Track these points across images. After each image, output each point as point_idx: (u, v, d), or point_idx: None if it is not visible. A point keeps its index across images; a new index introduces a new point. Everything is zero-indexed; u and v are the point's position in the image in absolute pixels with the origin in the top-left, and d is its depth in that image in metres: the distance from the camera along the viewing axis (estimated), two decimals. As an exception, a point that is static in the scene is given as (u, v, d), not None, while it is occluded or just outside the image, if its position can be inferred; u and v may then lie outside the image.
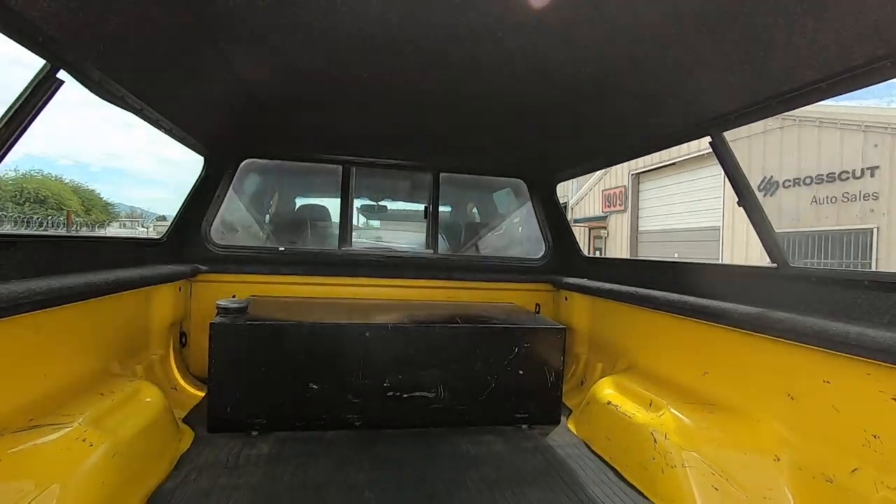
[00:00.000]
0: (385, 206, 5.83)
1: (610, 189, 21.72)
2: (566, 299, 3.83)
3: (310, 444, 2.44)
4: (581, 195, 23.94)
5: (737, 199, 2.16)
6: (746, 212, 2.15)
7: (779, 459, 1.93)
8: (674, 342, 2.67)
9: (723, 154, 2.28)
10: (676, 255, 16.75)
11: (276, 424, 2.56)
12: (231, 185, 3.63)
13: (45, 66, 1.75)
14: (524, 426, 2.81)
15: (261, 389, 2.54)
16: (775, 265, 2.09)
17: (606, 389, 2.66)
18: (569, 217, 25.01)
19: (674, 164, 17.12)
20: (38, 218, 21.37)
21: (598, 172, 22.24)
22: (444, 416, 2.74)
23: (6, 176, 32.35)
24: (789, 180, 14.77)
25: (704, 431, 2.09)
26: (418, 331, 2.71)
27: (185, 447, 2.34)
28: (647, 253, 19.27)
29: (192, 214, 3.46)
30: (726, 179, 2.33)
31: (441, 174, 3.99)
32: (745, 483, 1.93)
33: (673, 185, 17.49)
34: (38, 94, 1.77)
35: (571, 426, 2.84)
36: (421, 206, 4.07)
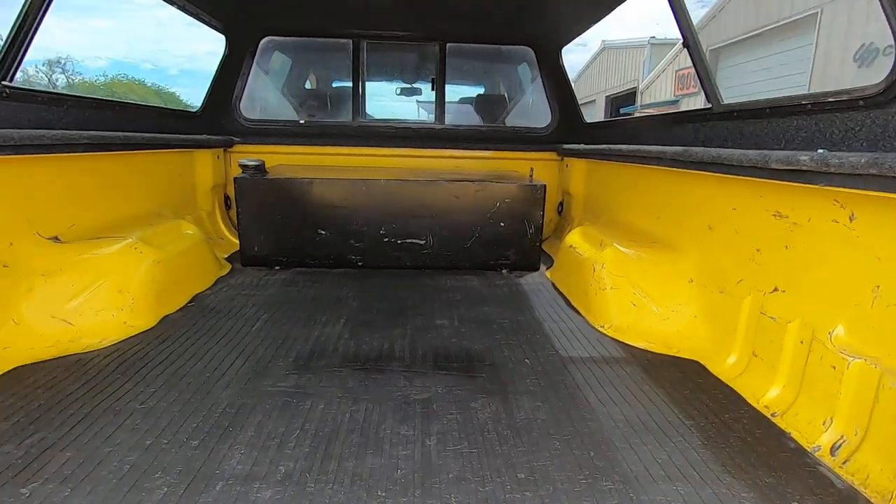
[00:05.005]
0: (419, 89, 6.02)
1: (685, 69, 19.64)
2: (567, 166, 4.00)
3: (318, 276, 3.02)
4: (651, 78, 21.91)
5: (682, 40, 2.18)
6: (689, 53, 2.18)
7: (692, 281, 2.20)
8: (638, 190, 2.87)
9: None
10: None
11: (294, 262, 3.15)
12: (255, 63, 3.98)
13: None
14: (504, 271, 3.22)
15: (279, 233, 3.10)
16: (710, 105, 2.18)
17: (575, 237, 2.95)
18: (637, 103, 23.24)
19: (759, 34, 15.06)
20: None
21: (672, 50, 20.07)
22: (434, 261, 3.19)
23: (97, 81, 34.91)
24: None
25: (636, 262, 2.37)
26: (408, 185, 3.09)
27: (224, 272, 3.00)
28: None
29: (221, 91, 3.90)
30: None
31: (448, 45, 4.08)
32: (660, 300, 2.24)
33: (754, 60, 15.55)
34: None
35: (547, 273, 3.21)
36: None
